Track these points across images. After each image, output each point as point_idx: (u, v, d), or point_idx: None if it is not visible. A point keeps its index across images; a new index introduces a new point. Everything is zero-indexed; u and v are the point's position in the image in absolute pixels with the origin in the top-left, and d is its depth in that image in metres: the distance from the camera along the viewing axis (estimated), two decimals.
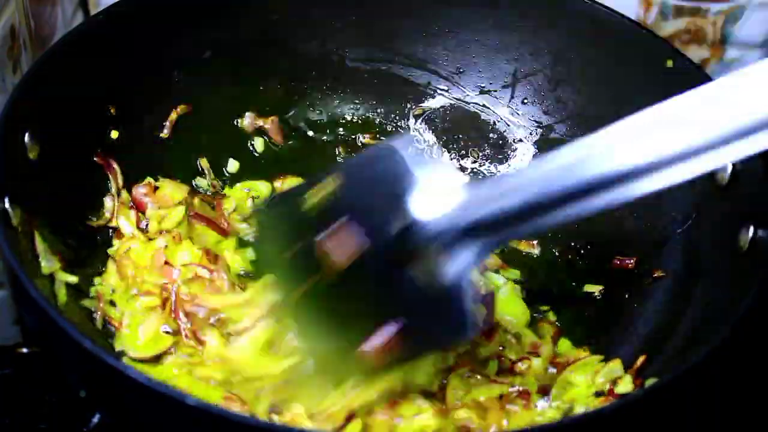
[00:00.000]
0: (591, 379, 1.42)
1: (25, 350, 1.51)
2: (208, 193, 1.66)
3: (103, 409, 1.32)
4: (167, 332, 1.41)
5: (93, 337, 1.36)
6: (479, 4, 1.72)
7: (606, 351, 1.48)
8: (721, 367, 1.26)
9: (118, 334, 1.40)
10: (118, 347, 1.38)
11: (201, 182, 1.67)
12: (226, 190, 1.68)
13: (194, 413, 1.07)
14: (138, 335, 1.40)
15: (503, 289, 1.57)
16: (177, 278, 1.45)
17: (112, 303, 1.44)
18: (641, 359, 1.41)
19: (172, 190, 1.60)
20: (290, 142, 1.76)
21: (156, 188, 1.60)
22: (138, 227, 1.55)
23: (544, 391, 1.43)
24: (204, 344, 1.41)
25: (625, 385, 1.39)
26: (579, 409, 1.39)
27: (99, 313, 1.41)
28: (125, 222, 1.54)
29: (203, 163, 1.68)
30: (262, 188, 1.69)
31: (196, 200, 1.61)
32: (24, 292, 1.20)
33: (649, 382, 1.36)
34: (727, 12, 1.96)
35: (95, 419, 1.36)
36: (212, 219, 1.60)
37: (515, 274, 1.62)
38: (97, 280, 1.48)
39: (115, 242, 1.53)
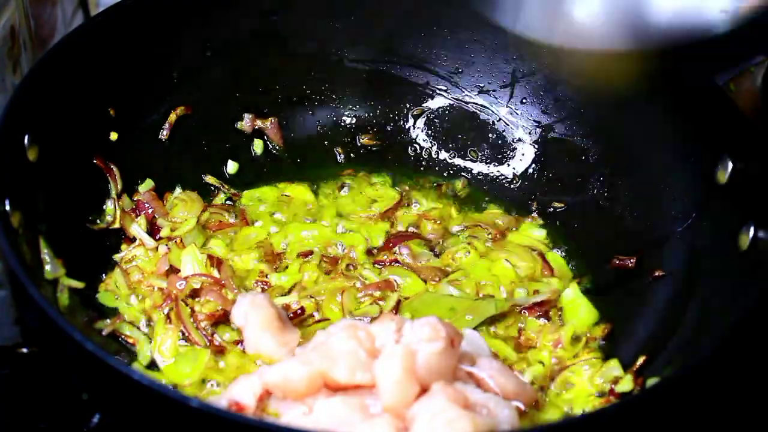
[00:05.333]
0: (590, 380, 1.42)
1: (25, 350, 1.51)
2: (225, 202, 1.67)
3: (104, 410, 1.31)
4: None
5: (95, 339, 1.36)
6: (478, 4, 1.72)
7: (606, 351, 1.48)
8: (722, 367, 1.26)
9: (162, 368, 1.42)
10: (165, 380, 1.39)
11: (220, 196, 1.68)
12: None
13: (197, 415, 1.07)
14: (164, 353, 1.42)
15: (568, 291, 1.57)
16: (182, 289, 1.46)
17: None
18: (641, 359, 1.41)
19: (187, 203, 1.61)
20: (289, 144, 1.76)
21: (155, 190, 1.61)
22: (149, 233, 1.55)
23: (544, 391, 1.43)
24: (224, 353, 1.43)
25: (626, 385, 1.39)
26: (579, 409, 1.39)
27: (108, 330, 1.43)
28: (137, 228, 1.54)
29: (210, 179, 1.68)
30: (269, 194, 1.69)
31: (207, 213, 1.62)
32: (23, 293, 1.20)
33: (650, 381, 1.37)
34: None
35: (95, 419, 1.36)
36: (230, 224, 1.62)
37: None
38: (101, 286, 1.48)
39: (123, 247, 1.54)
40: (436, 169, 1.78)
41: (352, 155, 1.78)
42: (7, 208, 1.29)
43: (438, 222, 1.66)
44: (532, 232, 1.66)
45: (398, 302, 1.51)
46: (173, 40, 1.64)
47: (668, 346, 1.41)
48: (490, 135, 1.77)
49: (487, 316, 1.50)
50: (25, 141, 1.38)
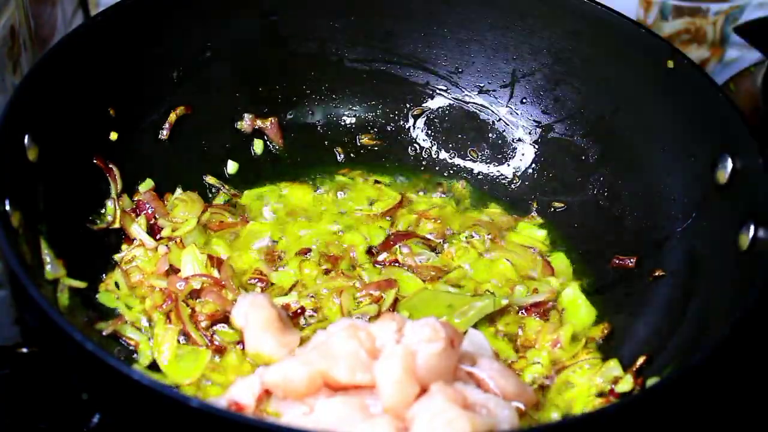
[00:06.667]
0: (590, 380, 1.42)
1: (25, 350, 1.51)
2: (225, 202, 1.67)
3: (104, 410, 1.32)
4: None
5: (95, 339, 1.37)
6: (478, 4, 1.72)
7: (606, 351, 1.48)
8: (721, 367, 1.26)
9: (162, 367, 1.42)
10: (166, 381, 1.40)
11: (220, 196, 1.68)
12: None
13: (197, 415, 1.07)
14: (164, 352, 1.42)
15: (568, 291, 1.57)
16: (182, 289, 1.46)
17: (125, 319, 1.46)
18: (641, 359, 1.41)
19: (188, 203, 1.61)
20: (289, 144, 1.76)
21: (155, 190, 1.61)
22: (149, 233, 1.55)
23: (544, 391, 1.43)
24: (224, 353, 1.43)
25: (626, 385, 1.39)
26: (579, 409, 1.39)
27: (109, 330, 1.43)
28: (138, 228, 1.54)
29: (210, 179, 1.68)
30: (270, 194, 1.69)
31: (208, 213, 1.62)
32: (23, 293, 1.20)
33: (650, 382, 1.37)
34: (727, 12, 1.97)
35: (95, 419, 1.36)
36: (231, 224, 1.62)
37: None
38: (101, 286, 1.48)
39: (123, 247, 1.54)
40: (436, 169, 1.77)
41: (352, 155, 1.78)
42: (7, 208, 1.28)
43: (438, 222, 1.66)
44: (532, 232, 1.67)
45: (396, 300, 1.51)
46: (173, 40, 1.64)
47: (668, 346, 1.41)
48: (490, 135, 1.77)
49: (485, 313, 1.50)
50: (25, 141, 1.38)
